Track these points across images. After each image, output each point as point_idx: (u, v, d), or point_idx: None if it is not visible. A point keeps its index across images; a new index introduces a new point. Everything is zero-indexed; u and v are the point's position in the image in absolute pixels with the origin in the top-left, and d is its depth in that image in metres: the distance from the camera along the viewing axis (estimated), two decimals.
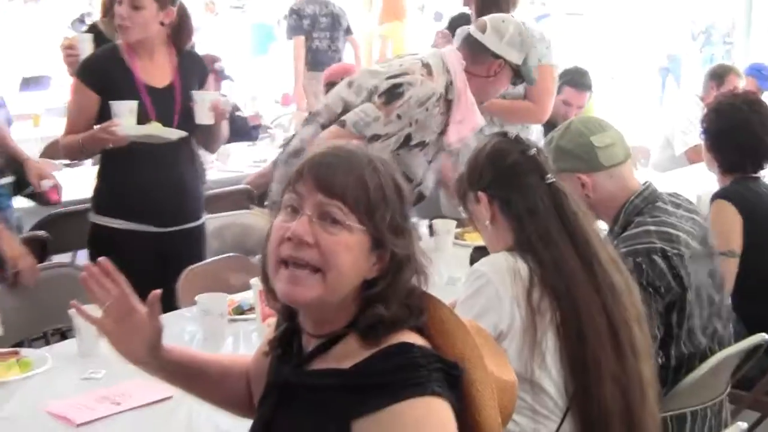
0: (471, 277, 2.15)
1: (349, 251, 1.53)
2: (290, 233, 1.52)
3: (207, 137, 3.58)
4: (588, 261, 2.11)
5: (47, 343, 3.08)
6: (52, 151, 5.04)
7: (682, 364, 2.54)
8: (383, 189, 1.56)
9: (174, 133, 3.29)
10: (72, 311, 2.47)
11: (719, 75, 5.89)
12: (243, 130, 5.79)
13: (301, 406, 1.61)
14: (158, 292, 1.78)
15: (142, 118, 3.29)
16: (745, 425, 2.18)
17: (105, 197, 3.44)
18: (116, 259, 3.09)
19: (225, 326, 2.77)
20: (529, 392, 2.04)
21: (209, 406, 1.94)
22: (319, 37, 7.31)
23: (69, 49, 3.89)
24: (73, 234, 3.83)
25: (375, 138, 3.23)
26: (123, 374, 2.10)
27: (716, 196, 3.27)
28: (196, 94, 3.41)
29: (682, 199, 2.67)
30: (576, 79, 4.89)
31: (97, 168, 3.60)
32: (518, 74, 3.41)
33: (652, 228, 2.52)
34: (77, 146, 3.36)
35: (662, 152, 5.54)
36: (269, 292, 1.63)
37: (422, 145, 3.38)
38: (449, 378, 1.53)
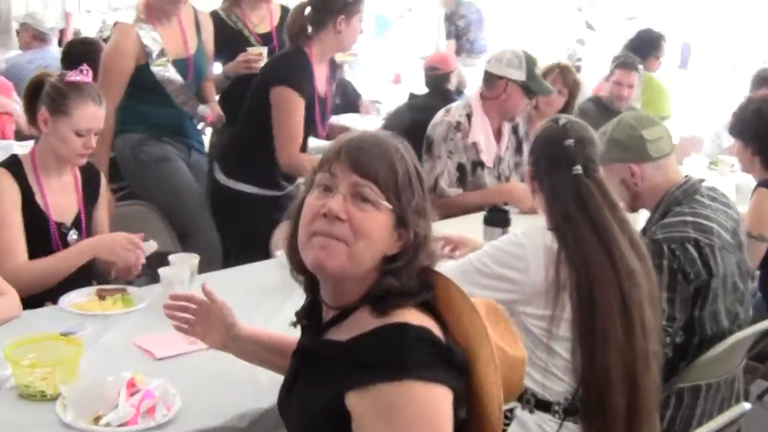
0: (510, 239, 2.34)
1: (377, 228, 1.59)
2: (326, 209, 1.57)
3: None
4: (607, 244, 2.22)
5: None
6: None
7: (704, 343, 2.63)
8: (409, 174, 1.62)
9: None
10: (162, 270, 2.77)
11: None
12: (353, 104, 6.62)
13: (313, 372, 1.67)
14: (205, 286, 2.14)
15: (309, 126, 3.64)
16: (748, 405, 2.25)
17: (238, 165, 3.78)
18: (237, 215, 3.77)
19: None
20: (545, 352, 2.23)
21: None
22: (474, 30, 8.85)
23: (254, 62, 4.05)
24: None
25: (435, 181, 3.77)
26: None
27: (760, 185, 3.37)
28: None
29: (719, 194, 2.76)
30: (624, 62, 5.04)
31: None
32: (528, 89, 3.76)
33: (689, 218, 2.61)
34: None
35: (712, 143, 5.62)
36: (293, 264, 1.70)
37: (479, 166, 3.85)
38: (445, 359, 1.55)
